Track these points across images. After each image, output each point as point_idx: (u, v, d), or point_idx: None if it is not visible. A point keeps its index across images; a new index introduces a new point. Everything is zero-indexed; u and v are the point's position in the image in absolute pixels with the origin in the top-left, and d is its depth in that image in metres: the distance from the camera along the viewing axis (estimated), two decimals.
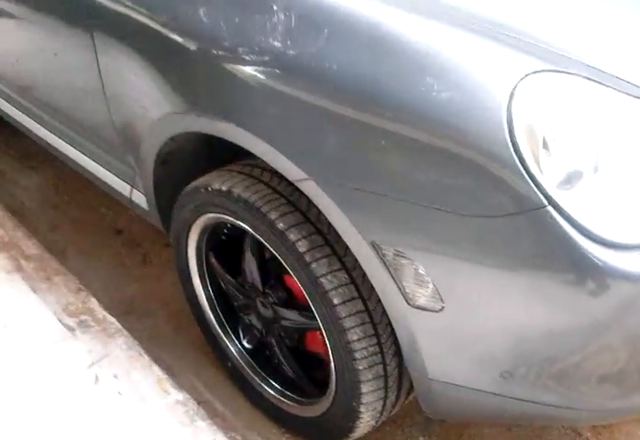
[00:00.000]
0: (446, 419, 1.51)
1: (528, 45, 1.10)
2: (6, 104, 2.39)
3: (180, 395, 1.57)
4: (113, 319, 1.79)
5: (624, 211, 1.05)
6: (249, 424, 1.64)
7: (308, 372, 1.57)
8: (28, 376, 1.61)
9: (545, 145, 1.01)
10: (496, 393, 1.17)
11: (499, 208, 1.02)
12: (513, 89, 1.01)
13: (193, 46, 1.36)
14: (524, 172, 0.99)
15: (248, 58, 1.25)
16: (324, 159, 1.17)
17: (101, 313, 1.82)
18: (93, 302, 1.86)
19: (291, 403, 1.57)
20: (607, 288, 1.02)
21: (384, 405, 1.37)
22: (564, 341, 1.08)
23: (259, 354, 1.65)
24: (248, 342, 1.67)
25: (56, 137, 2.13)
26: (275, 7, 1.22)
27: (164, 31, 1.41)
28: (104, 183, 1.95)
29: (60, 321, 1.78)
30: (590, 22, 1.25)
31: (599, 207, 1.03)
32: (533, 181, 0.99)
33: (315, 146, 1.18)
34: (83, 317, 1.80)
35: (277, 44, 1.21)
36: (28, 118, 2.26)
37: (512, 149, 0.99)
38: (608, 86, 1.07)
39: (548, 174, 1.00)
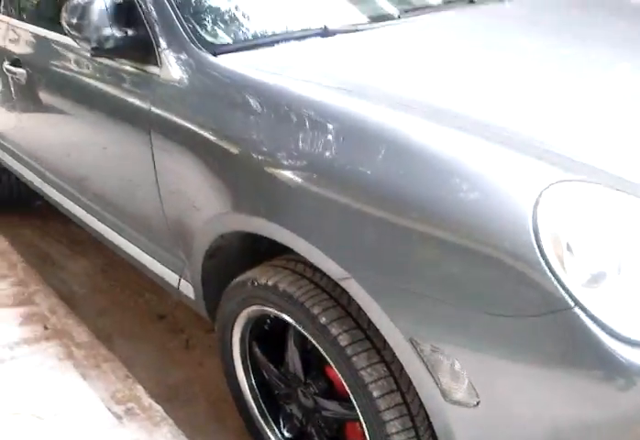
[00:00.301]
0: None
1: (552, 154, 1.20)
2: (59, 194, 2.57)
3: None
4: (158, 407, 1.85)
5: None
6: None
7: None
8: None
9: (569, 248, 1.08)
10: None
11: (527, 308, 1.08)
12: (539, 197, 1.09)
13: (235, 150, 1.50)
14: (549, 274, 1.05)
15: (286, 162, 1.37)
16: (361, 259, 1.26)
17: (147, 400, 1.88)
18: (140, 390, 1.93)
19: None
20: (633, 384, 1.06)
21: None
22: (596, 434, 1.11)
23: None
24: (288, 431, 1.71)
25: (105, 227, 2.27)
26: (309, 122, 1.36)
27: (214, 139, 1.55)
28: (152, 272, 2.06)
29: (108, 409, 1.85)
30: (611, 128, 1.34)
31: (623, 307, 1.08)
32: (559, 282, 1.05)
33: (353, 245, 1.27)
34: (130, 405, 1.87)
35: (314, 151, 1.33)
36: (79, 208, 2.42)
37: (538, 253, 1.06)
38: (628, 193, 1.14)
39: (573, 276, 1.06)
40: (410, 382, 1.27)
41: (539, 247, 1.06)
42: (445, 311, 1.17)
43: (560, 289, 1.05)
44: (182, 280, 1.93)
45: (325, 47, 1.76)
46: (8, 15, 2.61)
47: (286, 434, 1.71)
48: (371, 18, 1.92)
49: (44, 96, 2.36)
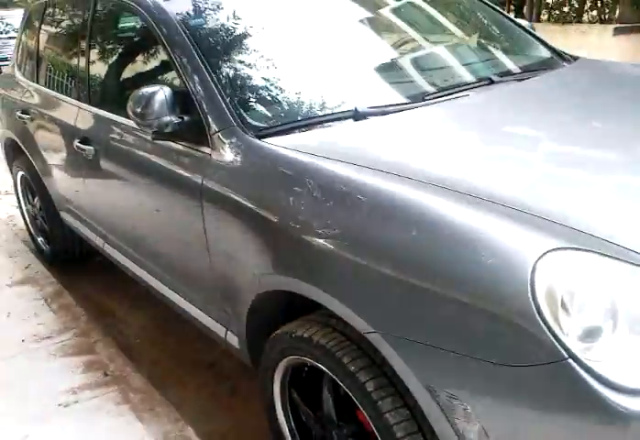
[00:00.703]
0: None
1: (549, 223, 1.39)
2: (118, 253, 2.84)
3: None
4: None
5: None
6: None
7: None
8: None
9: (564, 308, 1.27)
10: None
11: (527, 359, 1.26)
12: (535, 263, 1.29)
13: (277, 220, 1.73)
14: (546, 330, 1.24)
15: (321, 232, 1.60)
16: (385, 316, 1.46)
17: None
18: (190, 431, 2.13)
19: None
20: (629, 427, 1.22)
21: None
22: None
23: None
24: None
25: (160, 283, 2.52)
26: (342, 197, 1.59)
27: (263, 212, 1.79)
28: (202, 324, 2.28)
29: None
30: (604, 196, 1.54)
31: (619, 358, 1.26)
32: (554, 337, 1.23)
33: (378, 304, 1.48)
34: None
35: (347, 222, 1.56)
36: (136, 265, 2.68)
37: (535, 312, 1.25)
38: (618, 259, 1.32)
39: (567, 331, 1.25)
40: (430, 424, 1.45)
41: (537, 307, 1.25)
42: (457, 362, 1.36)
43: (555, 342, 1.23)
44: (228, 331, 2.15)
45: (356, 130, 2.00)
46: (78, 100, 2.94)
47: None
48: (399, 101, 2.14)
49: (108, 170, 2.66)
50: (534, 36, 2.88)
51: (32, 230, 3.90)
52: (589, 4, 9.24)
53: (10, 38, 13.25)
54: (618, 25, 8.13)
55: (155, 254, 2.54)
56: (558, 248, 1.32)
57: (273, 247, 1.79)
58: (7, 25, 14.95)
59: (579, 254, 1.32)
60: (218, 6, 2.40)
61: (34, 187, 3.63)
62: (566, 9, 9.64)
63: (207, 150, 2.02)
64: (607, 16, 9.12)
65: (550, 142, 1.91)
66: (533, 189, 1.56)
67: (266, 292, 1.83)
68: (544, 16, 9.74)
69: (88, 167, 2.84)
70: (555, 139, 1.91)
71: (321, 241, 1.60)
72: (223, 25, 2.33)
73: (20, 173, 3.82)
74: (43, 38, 3.57)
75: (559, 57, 2.75)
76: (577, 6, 9.28)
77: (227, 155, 1.96)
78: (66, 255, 3.60)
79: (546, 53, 2.77)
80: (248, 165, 1.93)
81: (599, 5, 9.08)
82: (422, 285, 1.41)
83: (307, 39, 2.37)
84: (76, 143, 2.83)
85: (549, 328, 1.24)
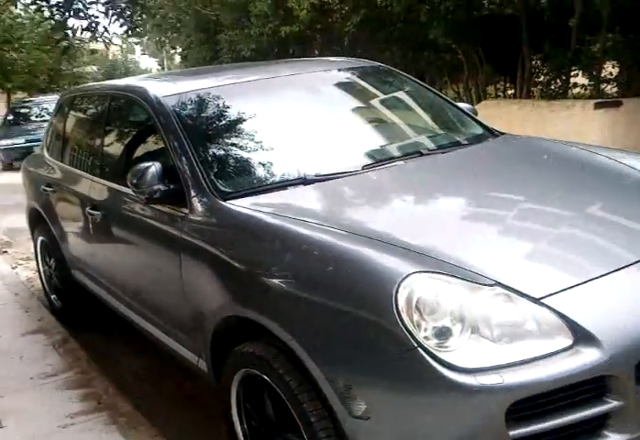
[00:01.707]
0: None
1: (417, 254, 1.88)
2: (116, 301, 3.35)
3: None
4: None
5: (480, 351, 1.72)
6: None
7: None
8: None
9: (418, 312, 1.73)
10: None
11: (391, 350, 1.73)
12: (401, 281, 1.76)
13: (238, 266, 2.23)
14: (403, 328, 1.70)
15: (267, 272, 2.09)
16: (301, 328, 1.94)
17: None
18: None
19: None
20: (470, 398, 1.66)
21: None
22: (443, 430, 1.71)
23: None
24: None
25: (149, 324, 3.00)
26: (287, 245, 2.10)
27: (222, 257, 2.30)
28: (180, 355, 2.74)
29: None
30: (465, 239, 2.03)
31: (463, 349, 1.71)
32: (409, 333, 1.70)
33: (297, 319, 1.96)
34: None
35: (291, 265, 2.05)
36: (131, 311, 3.18)
37: (397, 314, 1.72)
38: (464, 279, 1.80)
39: (420, 329, 1.71)
40: (332, 408, 1.88)
41: (397, 313, 1.72)
42: (347, 357, 1.82)
43: (409, 336, 1.70)
44: (199, 359, 2.60)
45: (303, 192, 2.52)
46: (92, 174, 3.54)
47: None
48: (342, 170, 2.65)
49: (110, 230, 3.21)
50: (469, 116, 3.43)
51: (47, 288, 4.42)
52: (572, 82, 9.91)
53: (44, 121, 13.81)
54: (599, 100, 8.75)
55: (143, 298, 3.06)
56: (418, 272, 1.80)
57: (233, 285, 2.27)
58: (43, 109, 15.83)
59: (434, 275, 1.81)
60: (203, 100, 3.00)
61: (51, 249, 4.18)
62: (553, 87, 10.32)
63: (186, 210, 2.54)
64: (589, 93, 9.78)
65: (445, 196, 2.43)
66: (418, 234, 2.08)
67: (224, 318, 2.30)
68: (536, 94, 10.43)
69: (95, 229, 3.39)
70: (450, 194, 2.44)
71: (266, 278, 2.09)
72: (207, 114, 2.95)
73: (40, 238, 4.39)
74: (69, 123, 4.22)
75: (489, 132, 3.28)
76: (561, 85, 9.95)
77: (200, 213, 2.49)
78: (75, 309, 4.09)
79: (478, 130, 3.30)
80: (216, 221, 2.45)
81: (581, 83, 9.77)
82: (326, 302, 1.90)
83: (272, 123, 2.95)
84: (88, 209, 3.39)
85: (406, 327, 1.71)
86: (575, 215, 2.25)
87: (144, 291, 3.03)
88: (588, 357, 1.70)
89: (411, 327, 1.71)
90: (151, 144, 3.09)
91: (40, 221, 4.30)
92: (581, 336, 1.73)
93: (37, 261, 4.57)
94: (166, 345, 2.85)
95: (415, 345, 1.69)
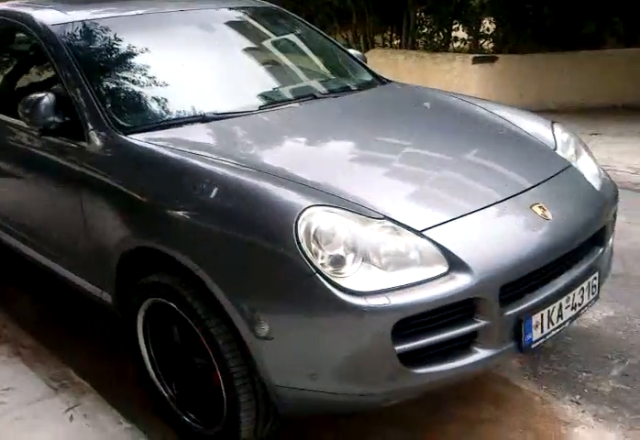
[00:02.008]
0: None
1: (316, 190, 2.08)
2: (15, 240, 3.33)
3: None
4: (85, 382, 2.59)
5: (370, 277, 1.95)
6: None
7: None
8: None
9: (316, 242, 1.94)
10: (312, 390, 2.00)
11: (292, 276, 1.93)
12: (300, 214, 1.95)
13: (142, 199, 2.33)
14: (303, 257, 1.90)
15: (166, 204, 2.22)
16: (207, 257, 2.10)
17: (77, 378, 2.62)
18: (71, 372, 2.67)
19: None
20: (360, 318, 1.90)
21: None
22: (338, 347, 1.94)
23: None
24: (175, 389, 2.47)
25: (50, 261, 3.04)
26: (185, 178, 2.22)
27: (125, 191, 2.38)
28: (83, 289, 2.82)
29: (47, 383, 2.58)
30: (361, 176, 2.26)
31: (356, 276, 1.94)
32: (308, 260, 1.90)
33: (203, 249, 2.12)
34: (64, 381, 2.61)
35: (188, 196, 2.19)
36: (30, 248, 3.19)
37: (297, 244, 1.91)
38: (357, 213, 2.02)
39: (317, 257, 1.92)
40: (238, 331, 2.07)
41: (298, 240, 1.92)
42: (251, 283, 2.01)
43: (308, 263, 1.90)
44: (103, 292, 2.70)
45: (202, 129, 2.63)
46: None
47: (176, 393, 2.46)
48: (239, 109, 2.79)
49: (3, 166, 3.17)
50: (359, 62, 3.63)
51: None
52: (453, 36, 10.32)
53: None
54: (476, 55, 9.22)
55: (44, 235, 3.07)
56: (315, 205, 2.00)
57: (135, 217, 2.38)
58: None
59: (330, 209, 2.02)
60: (96, 31, 2.98)
61: None
62: (435, 40, 10.69)
63: (84, 143, 2.58)
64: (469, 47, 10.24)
65: (338, 138, 2.65)
66: (312, 171, 2.27)
67: (129, 250, 2.41)
68: (421, 45, 10.77)
69: None
70: (342, 136, 2.66)
71: (171, 211, 2.22)
72: (100, 46, 2.94)
73: None
74: None
75: (378, 80, 3.49)
76: (443, 38, 10.33)
77: (99, 147, 2.54)
78: None
79: (368, 77, 3.51)
80: (116, 155, 2.52)
81: (461, 37, 10.21)
82: (230, 233, 2.07)
83: (169, 59, 3.00)
84: None
85: (305, 255, 1.91)
86: (453, 159, 2.53)
87: (44, 227, 3.05)
88: (460, 281, 1.99)
89: (309, 255, 1.92)
90: (40, 74, 3.06)
91: None
92: (455, 264, 2.01)
93: None
94: (69, 280, 2.91)
95: (314, 270, 1.90)
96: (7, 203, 3.31)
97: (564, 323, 2.29)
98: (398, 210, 2.10)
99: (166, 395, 2.47)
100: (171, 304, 2.26)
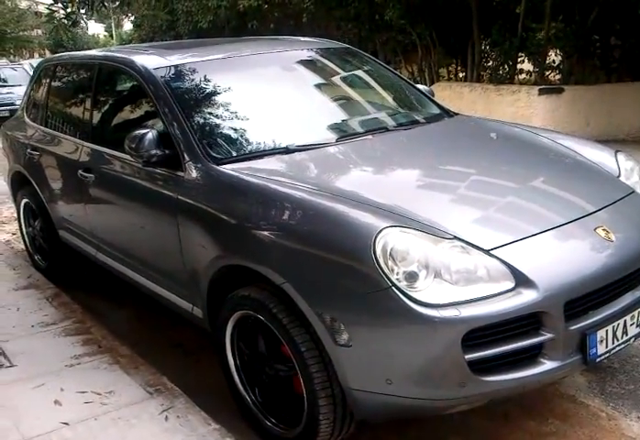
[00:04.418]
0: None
1: (390, 213, 2.30)
2: (109, 258, 3.66)
3: None
4: (177, 388, 2.84)
5: (442, 292, 2.14)
6: None
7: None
8: None
9: (392, 259, 2.14)
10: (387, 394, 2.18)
11: (371, 289, 2.13)
12: (377, 234, 2.17)
13: (233, 221, 2.59)
14: (380, 271, 2.11)
15: (259, 225, 2.47)
16: (292, 272, 2.33)
17: (170, 384, 2.88)
18: (165, 379, 2.92)
19: None
20: (434, 330, 2.09)
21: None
22: (420, 365, 2.13)
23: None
24: (260, 396, 2.69)
25: (144, 279, 3.34)
26: (272, 204, 2.48)
27: (218, 214, 2.65)
28: (174, 304, 3.10)
29: (144, 389, 2.84)
30: (433, 202, 2.46)
31: (429, 289, 2.13)
32: (385, 275, 2.11)
33: (288, 264, 2.35)
34: (158, 387, 2.86)
35: (275, 219, 2.44)
36: (125, 267, 3.51)
37: (374, 261, 2.12)
38: (429, 233, 2.22)
39: (393, 272, 2.12)
40: (321, 340, 2.28)
41: (376, 260, 2.12)
42: (333, 296, 2.22)
43: (385, 278, 2.11)
44: (194, 307, 2.97)
45: (285, 159, 2.90)
46: (81, 138, 3.82)
47: (259, 399, 2.69)
48: (318, 142, 3.05)
49: (105, 191, 3.52)
50: (427, 96, 3.86)
51: (30, 249, 4.68)
52: (519, 68, 10.47)
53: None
54: (542, 86, 9.33)
55: (142, 256, 3.38)
56: (391, 226, 2.21)
57: (227, 239, 2.64)
58: None
59: (405, 229, 2.22)
60: (190, 73, 3.32)
61: (37, 211, 4.44)
62: (500, 72, 10.86)
63: (181, 173, 2.89)
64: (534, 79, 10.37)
65: (409, 167, 2.86)
66: (387, 196, 2.48)
67: (220, 268, 2.67)
68: (486, 78, 10.95)
69: (86, 190, 3.68)
70: (413, 166, 2.87)
71: (259, 231, 2.47)
72: (194, 86, 3.27)
73: (24, 201, 4.62)
74: (54, 90, 4.45)
75: (445, 113, 3.71)
76: (508, 70, 10.48)
77: (195, 176, 2.83)
78: (60, 267, 4.38)
79: (435, 110, 3.73)
80: (210, 184, 2.80)
81: (527, 69, 10.35)
82: (311, 251, 2.30)
83: (254, 97, 3.30)
84: (80, 172, 3.68)
85: (382, 271, 2.12)
86: (518, 186, 2.70)
87: (139, 248, 3.36)
88: (526, 297, 2.16)
89: (386, 271, 2.12)
90: (142, 112, 3.40)
91: (24, 184, 4.54)
92: (521, 281, 2.18)
93: (19, 223, 4.79)
94: (164, 297, 3.20)
95: (390, 284, 2.10)
96: (111, 228, 3.66)
97: (629, 339, 2.41)
98: (467, 231, 2.29)
99: (249, 400, 2.69)
100: (259, 316, 2.50)
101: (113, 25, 41.83)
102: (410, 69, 12.97)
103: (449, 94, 10.05)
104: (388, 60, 13.22)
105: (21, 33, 27.36)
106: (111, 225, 3.61)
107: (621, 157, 3.09)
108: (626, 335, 2.39)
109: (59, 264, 4.37)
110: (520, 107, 9.18)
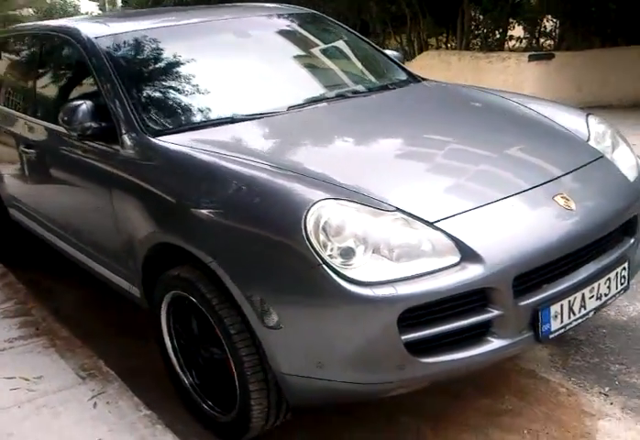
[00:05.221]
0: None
1: (322, 183, 2.08)
2: (52, 235, 3.47)
3: None
4: (112, 371, 2.66)
5: (379, 269, 1.94)
6: None
7: None
8: None
9: (325, 234, 1.93)
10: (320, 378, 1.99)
11: (300, 268, 1.93)
12: (310, 207, 1.95)
13: (165, 197, 2.38)
14: (310, 248, 1.90)
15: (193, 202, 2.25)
16: (220, 249, 2.13)
17: (105, 368, 2.69)
18: (101, 363, 2.74)
19: None
20: (366, 309, 1.88)
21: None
22: (347, 341, 1.93)
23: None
24: (196, 378, 2.50)
25: (85, 256, 3.15)
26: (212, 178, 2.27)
27: (156, 191, 2.43)
28: (113, 283, 2.91)
29: (76, 373, 2.67)
30: (376, 170, 2.24)
31: (366, 267, 1.93)
32: (315, 252, 1.90)
33: (217, 242, 2.15)
34: (92, 371, 2.68)
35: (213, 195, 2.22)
36: (65, 243, 3.32)
37: (304, 236, 1.91)
38: (368, 205, 2.01)
39: (325, 249, 1.91)
40: (248, 321, 2.08)
41: (306, 235, 1.91)
42: (262, 276, 2.02)
43: (315, 255, 1.90)
44: (131, 286, 2.77)
45: (229, 130, 2.66)
46: (26, 114, 3.61)
47: (196, 381, 2.50)
48: (267, 110, 2.80)
49: (46, 167, 3.31)
50: (394, 62, 3.61)
51: None
52: (509, 35, 10.15)
53: None
54: (532, 53, 9.04)
55: (77, 230, 3.21)
56: (327, 199, 2.00)
57: (161, 214, 2.44)
58: None
59: (341, 202, 2.01)
60: (137, 44, 3.08)
61: None
62: (490, 40, 10.54)
63: (117, 147, 2.66)
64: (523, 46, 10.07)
65: (357, 135, 2.65)
66: (329, 166, 2.28)
67: (154, 245, 2.47)
68: (476, 46, 10.64)
69: (30, 166, 3.48)
70: (362, 133, 2.65)
71: (189, 208, 2.26)
72: (138, 58, 3.03)
73: None
74: (2, 65, 4.22)
75: (412, 78, 3.47)
76: (498, 37, 10.17)
77: (131, 149, 2.61)
78: (11, 246, 4.17)
79: (403, 76, 3.49)
80: (146, 157, 2.59)
81: (517, 36, 10.04)
82: (243, 228, 2.10)
83: (199, 64, 3.06)
84: (22, 148, 3.47)
85: (312, 247, 1.91)
86: (475, 153, 2.48)
87: (78, 225, 3.16)
88: (471, 272, 1.95)
89: (317, 247, 1.91)
90: (83, 83, 3.16)
91: None
92: (467, 255, 1.98)
93: None
94: (101, 274, 3.01)
95: (320, 261, 1.90)
96: (53, 205, 3.44)
97: (587, 313, 2.21)
98: (411, 202, 2.08)
99: (187, 382, 2.51)
100: (190, 297, 2.30)
101: (106, 2, 41.19)
102: (399, 39, 12.62)
103: (437, 64, 9.76)
104: (377, 31, 12.86)
105: (10, 12, 26.83)
106: (53, 202, 3.41)
107: (592, 120, 2.85)
108: (584, 308, 2.20)
109: (9, 243, 4.17)
110: (510, 75, 8.90)
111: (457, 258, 1.97)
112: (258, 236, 2.05)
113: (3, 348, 2.90)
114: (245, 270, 2.08)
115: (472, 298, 1.98)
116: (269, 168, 2.23)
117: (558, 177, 2.32)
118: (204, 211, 2.21)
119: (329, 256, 1.92)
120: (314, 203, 1.97)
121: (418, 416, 2.42)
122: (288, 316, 2.00)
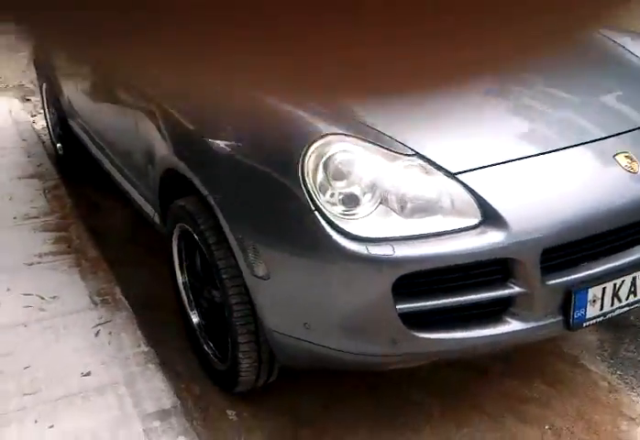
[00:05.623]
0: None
1: (327, 114, 1.79)
2: (99, 153, 3.38)
3: None
4: (125, 300, 2.57)
5: (384, 223, 1.67)
6: None
7: None
8: None
9: (325, 175, 1.67)
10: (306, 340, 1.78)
11: (295, 211, 1.69)
12: (312, 142, 1.69)
13: (190, 126, 2.16)
14: (304, 190, 1.65)
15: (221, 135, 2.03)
16: (217, 184, 1.92)
17: (119, 295, 2.61)
18: (117, 289, 2.66)
19: None
20: (357, 268, 1.64)
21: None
22: (332, 297, 1.70)
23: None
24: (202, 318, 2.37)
25: (122, 177, 3.04)
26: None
27: (177, 115, 2.22)
28: (142, 209, 2.79)
29: (90, 297, 2.60)
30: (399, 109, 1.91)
31: (371, 219, 1.67)
32: (309, 196, 1.65)
33: (220, 179, 1.93)
34: (107, 297, 2.60)
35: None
36: (108, 162, 3.23)
37: (301, 176, 1.66)
38: (385, 147, 1.72)
39: (323, 193, 1.66)
40: (238, 264, 1.89)
41: (303, 174, 1.66)
42: (256, 216, 1.80)
43: (309, 199, 1.65)
44: (155, 213, 2.64)
45: None
46: None
47: (203, 321, 2.36)
48: None
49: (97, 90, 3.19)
50: None
51: (53, 136, 4.45)
52: None
53: None
54: None
55: (118, 152, 3.08)
56: (335, 133, 1.72)
57: (176, 139, 2.24)
58: None
59: (349, 139, 1.72)
60: None
61: (50, 96, 4.20)
62: None
63: None
64: None
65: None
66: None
67: (165, 171, 2.29)
68: None
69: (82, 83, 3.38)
70: None
71: (196, 133, 2.05)
72: None
73: (44, 85, 4.37)
74: None
75: None
76: None
77: None
78: (73, 158, 4.15)
79: None
80: None
81: None
82: (240, 159, 1.86)
83: None
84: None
85: (307, 190, 1.66)
86: (532, 100, 2.10)
87: (116, 144, 3.04)
88: (490, 238, 1.65)
89: (313, 190, 1.66)
90: None
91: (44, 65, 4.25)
92: (490, 217, 1.67)
93: (43, 109, 4.60)
94: (134, 199, 2.89)
95: (313, 208, 1.65)
96: (94, 118, 3.34)
97: (637, 301, 1.86)
98: (433, 147, 1.77)
99: (194, 321, 2.38)
100: (193, 232, 2.13)
101: None
102: None
103: None
104: None
105: None
106: (98, 121, 3.29)
107: None
108: (635, 295, 1.84)
109: (72, 154, 4.14)
110: None
111: (475, 220, 1.67)
112: (255, 171, 1.82)
113: (31, 263, 2.88)
114: (239, 209, 1.87)
115: (489, 269, 1.69)
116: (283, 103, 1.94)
117: (627, 132, 1.91)
118: (207, 138, 1.98)
119: (328, 202, 1.66)
120: (321, 137, 1.69)
121: (434, 392, 2.18)
122: (277, 267, 1.79)
